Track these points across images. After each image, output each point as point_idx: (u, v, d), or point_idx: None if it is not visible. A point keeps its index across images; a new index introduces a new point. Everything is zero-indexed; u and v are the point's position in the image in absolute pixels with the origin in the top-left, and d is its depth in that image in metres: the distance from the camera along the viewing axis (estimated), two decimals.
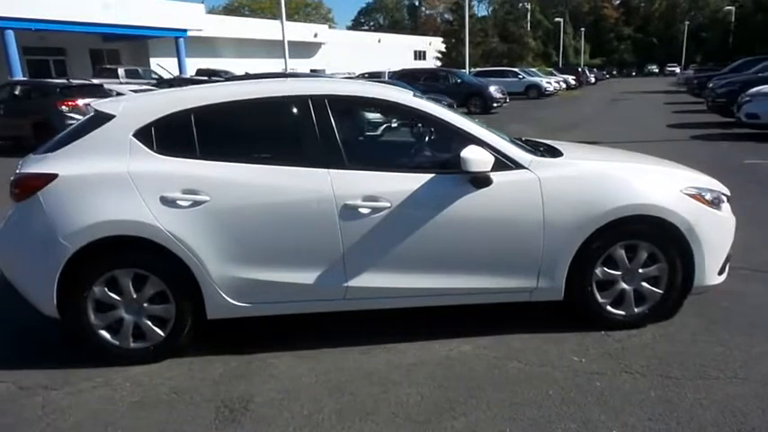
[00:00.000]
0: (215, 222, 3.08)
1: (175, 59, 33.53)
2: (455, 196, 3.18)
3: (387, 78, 27.68)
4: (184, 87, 3.98)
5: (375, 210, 3.14)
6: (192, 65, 31.72)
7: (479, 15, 60.58)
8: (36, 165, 3.16)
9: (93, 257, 3.06)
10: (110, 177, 3.08)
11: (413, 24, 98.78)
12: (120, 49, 33.60)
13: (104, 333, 3.18)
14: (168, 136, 3.19)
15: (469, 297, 3.35)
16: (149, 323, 3.19)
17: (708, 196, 3.41)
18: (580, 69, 45.01)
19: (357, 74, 22.07)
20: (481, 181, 3.16)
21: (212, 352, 3.32)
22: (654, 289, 3.40)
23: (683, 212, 3.28)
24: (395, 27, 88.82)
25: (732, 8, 55.45)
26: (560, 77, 35.69)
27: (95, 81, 15.37)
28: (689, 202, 3.33)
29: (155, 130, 3.17)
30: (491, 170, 3.14)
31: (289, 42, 46.80)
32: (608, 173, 3.36)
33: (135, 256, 3.13)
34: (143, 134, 3.16)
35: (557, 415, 2.63)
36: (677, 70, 60.45)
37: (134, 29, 28.71)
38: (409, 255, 3.20)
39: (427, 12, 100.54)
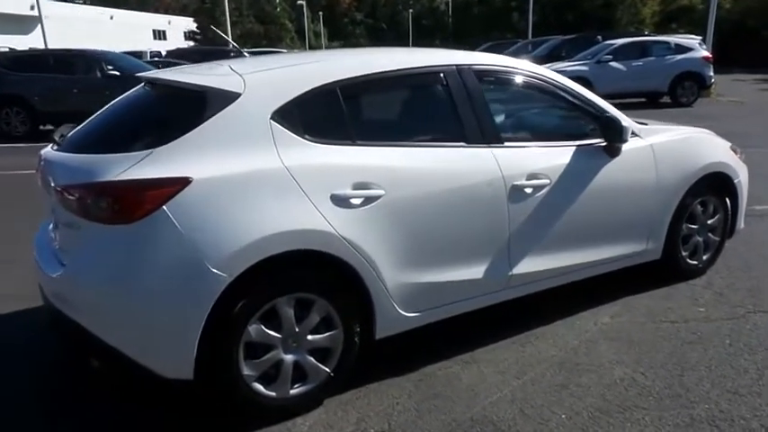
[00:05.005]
0: (390, 220, 2.51)
1: None
2: (598, 166, 3.13)
3: (149, 59, 24.90)
4: (307, 54, 3.08)
5: (537, 188, 2.91)
6: None
7: None
8: (146, 168, 2.13)
9: (250, 286, 2.24)
10: (263, 176, 2.26)
11: None
12: None
13: (258, 385, 2.36)
14: (315, 117, 2.47)
15: (599, 268, 3.34)
16: (312, 359, 2.47)
17: (738, 151, 3.96)
18: None
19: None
20: (616, 150, 3.16)
21: (351, 381, 2.69)
22: (715, 237, 3.84)
23: (735, 167, 3.76)
24: (120, 2, 79.95)
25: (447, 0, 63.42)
26: None
27: None
28: (734, 157, 3.83)
29: (298, 110, 2.41)
30: None
31: None
32: (691, 137, 3.69)
33: (300, 275, 2.37)
34: (284, 116, 2.38)
35: (763, 362, 2.82)
36: None
37: None
38: (563, 232, 3.06)
39: None
